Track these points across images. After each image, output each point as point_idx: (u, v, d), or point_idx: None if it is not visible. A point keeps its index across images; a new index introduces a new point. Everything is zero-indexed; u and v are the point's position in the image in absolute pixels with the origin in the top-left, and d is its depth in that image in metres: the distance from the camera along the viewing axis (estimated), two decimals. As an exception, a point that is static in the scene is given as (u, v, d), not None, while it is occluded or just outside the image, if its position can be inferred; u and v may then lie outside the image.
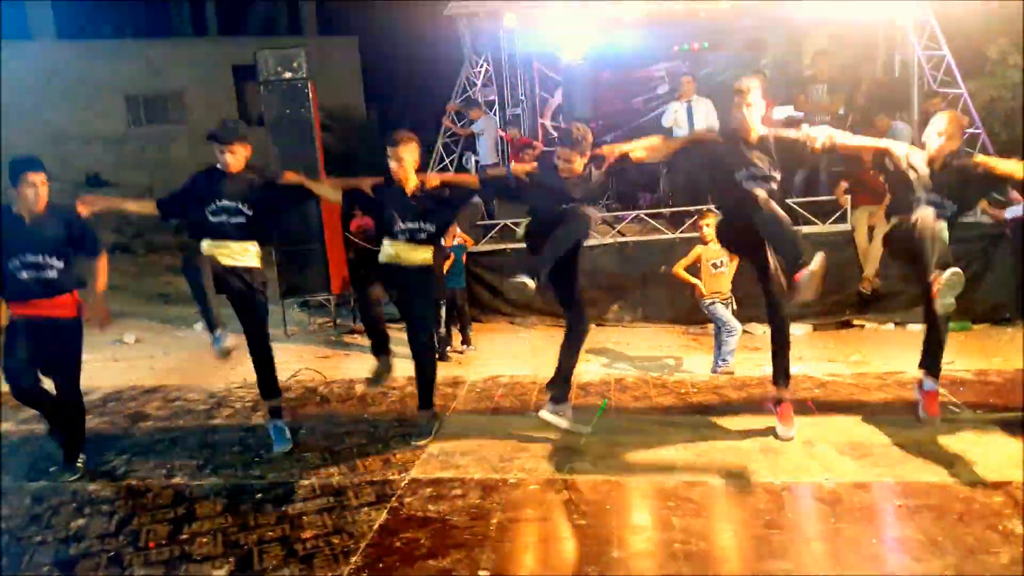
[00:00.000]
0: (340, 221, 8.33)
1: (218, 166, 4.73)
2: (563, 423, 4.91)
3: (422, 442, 4.84)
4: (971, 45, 9.09)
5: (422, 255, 4.88)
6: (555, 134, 10.10)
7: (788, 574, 3.23)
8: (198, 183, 4.77)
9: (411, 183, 4.80)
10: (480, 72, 10.74)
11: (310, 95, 8.22)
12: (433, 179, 4.99)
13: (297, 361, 7.01)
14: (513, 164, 5.42)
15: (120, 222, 16.36)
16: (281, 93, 8.20)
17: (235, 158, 4.69)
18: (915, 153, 4.67)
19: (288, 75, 8.20)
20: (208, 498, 4.19)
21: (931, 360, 4.79)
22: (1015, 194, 5.47)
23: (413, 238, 4.81)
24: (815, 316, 7.49)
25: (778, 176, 4.65)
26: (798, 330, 7.37)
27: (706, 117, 8.60)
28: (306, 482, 4.34)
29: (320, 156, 8.25)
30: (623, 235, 8.30)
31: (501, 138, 10.02)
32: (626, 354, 6.86)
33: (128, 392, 6.28)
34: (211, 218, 4.65)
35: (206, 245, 4.66)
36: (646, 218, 8.43)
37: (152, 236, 15.20)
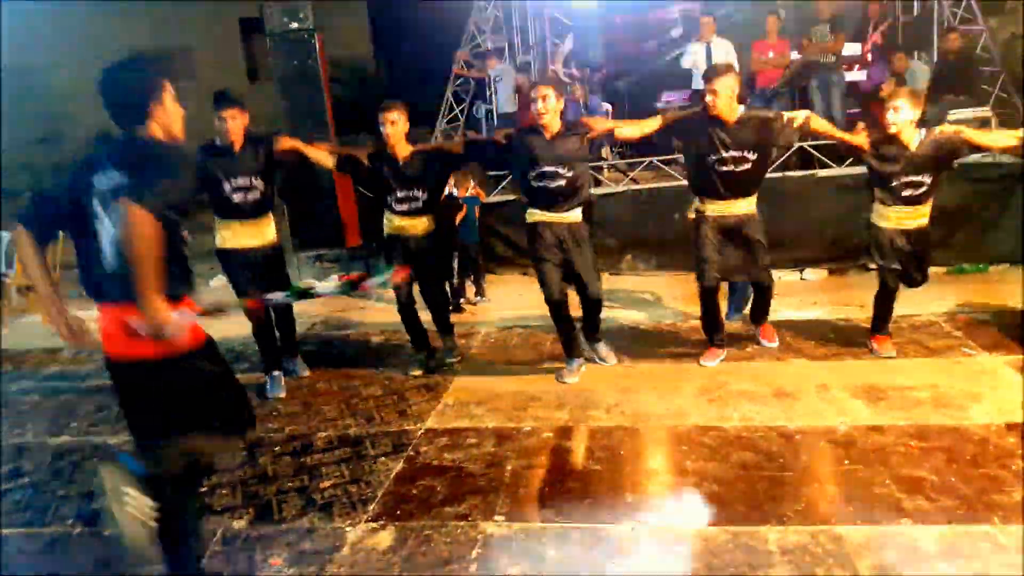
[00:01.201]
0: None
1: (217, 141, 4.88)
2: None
3: (455, 359, 5.46)
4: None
5: (424, 224, 5.14)
6: (567, 80, 9.93)
7: (802, 515, 3.26)
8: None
9: (402, 151, 4.99)
10: (490, 18, 10.55)
11: (318, 47, 8.11)
12: (424, 147, 5.22)
13: (312, 315, 7.05)
14: (496, 132, 5.48)
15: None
16: (288, 45, 8.08)
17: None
18: (883, 143, 4.79)
19: (295, 26, 8.07)
20: (228, 452, 4.22)
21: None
22: None
23: (411, 209, 5.06)
24: (831, 261, 7.42)
25: (753, 156, 4.77)
26: (812, 276, 7.33)
27: (726, 57, 8.41)
28: (323, 434, 4.41)
29: (329, 108, 8.17)
30: (636, 182, 8.21)
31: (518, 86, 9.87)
32: (640, 303, 6.84)
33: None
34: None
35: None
36: (660, 164, 8.33)
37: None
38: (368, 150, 5.16)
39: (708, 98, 4.74)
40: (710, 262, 5.01)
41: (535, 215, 4.88)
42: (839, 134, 5.08)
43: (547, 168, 4.70)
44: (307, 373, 5.41)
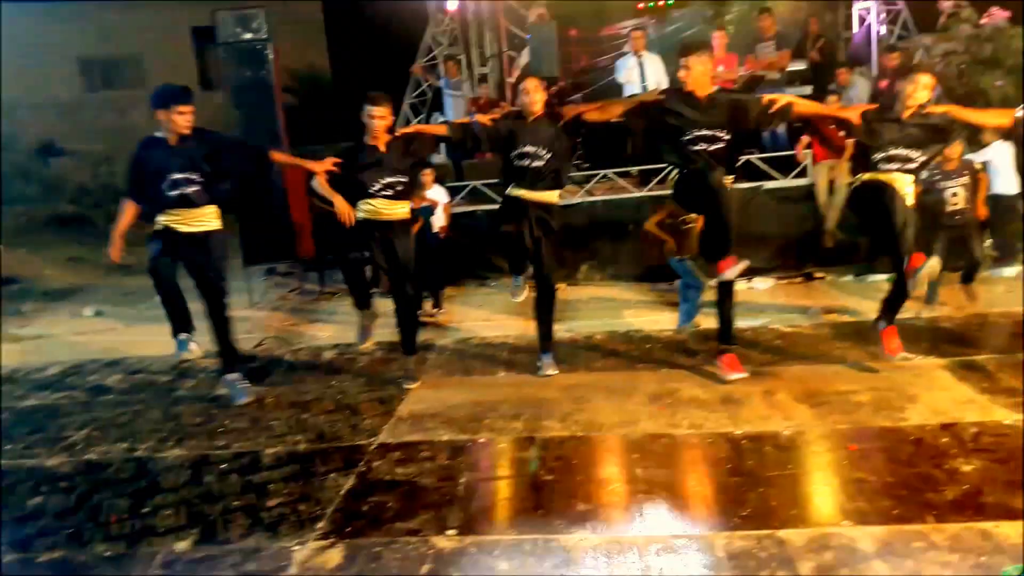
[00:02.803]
0: (304, 186, 8.23)
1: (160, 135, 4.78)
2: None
3: (412, 385, 5.21)
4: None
5: (401, 208, 5.13)
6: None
7: (748, 520, 3.32)
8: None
9: (383, 140, 5.01)
10: (446, 31, 10.60)
11: (271, 57, 8.06)
12: (406, 131, 5.26)
13: (263, 329, 6.98)
14: (478, 115, 5.53)
15: (78, 192, 16.06)
16: (241, 55, 8.01)
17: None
18: (876, 114, 4.78)
19: (248, 36, 8.00)
20: (171, 470, 4.17)
21: (889, 308, 4.97)
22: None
23: (391, 193, 5.02)
24: (778, 269, 7.58)
25: (727, 136, 4.72)
26: (761, 284, 7.48)
27: (656, 73, 8.61)
28: (272, 451, 4.34)
29: (282, 119, 8.10)
30: (592, 194, 8.30)
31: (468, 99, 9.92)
32: (595, 312, 6.91)
33: (89, 366, 6.20)
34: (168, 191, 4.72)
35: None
36: (614, 177, 8.43)
37: (112, 206, 14.93)
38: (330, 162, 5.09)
39: (681, 73, 4.75)
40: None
41: (514, 191, 5.18)
42: (827, 110, 5.17)
43: (528, 148, 5.03)
44: (245, 400, 5.09)
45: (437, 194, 7.22)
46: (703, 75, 4.73)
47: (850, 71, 8.55)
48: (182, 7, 20.74)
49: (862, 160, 4.85)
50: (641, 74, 8.50)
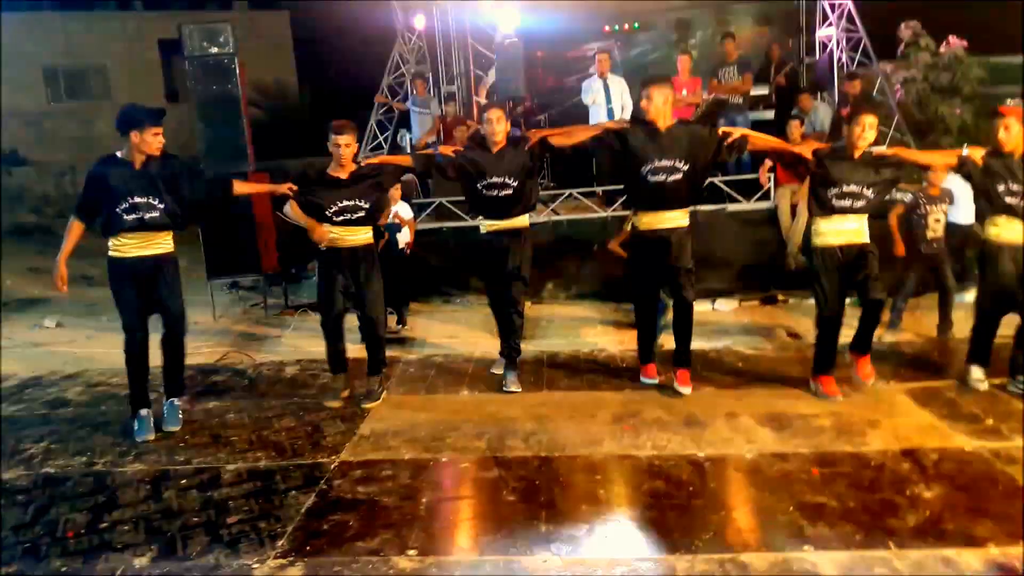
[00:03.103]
0: (269, 199, 8.16)
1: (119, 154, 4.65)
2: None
3: (370, 405, 5.16)
4: (884, 27, 9.37)
5: (364, 234, 5.16)
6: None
7: (710, 543, 3.34)
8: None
9: (348, 168, 5.05)
10: (414, 49, 10.63)
11: (237, 71, 8.01)
12: (369, 161, 5.28)
13: (225, 344, 6.88)
14: (441, 147, 5.65)
15: (40, 202, 15.77)
16: (207, 69, 7.96)
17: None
18: (827, 153, 4.94)
19: (215, 50, 7.96)
20: (131, 485, 4.10)
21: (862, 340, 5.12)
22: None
23: (351, 219, 5.05)
24: (741, 292, 7.68)
25: (685, 167, 4.85)
26: (724, 306, 7.55)
27: (621, 95, 8.72)
28: (232, 467, 4.28)
29: (248, 134, 8.05)
30: (557, 213, 8.35)
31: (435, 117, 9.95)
32: (558, 331, 6.93)
33: (48, 378, 6.09)
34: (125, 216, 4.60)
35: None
36: (579, 196, 8.49)
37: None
38: (266, 188, 5.31)
39: (643, 102, 4.88)
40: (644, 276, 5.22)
41: (487, 225, 5.37)
42: (782, 145, 5.28)
43: (496, 179, 5.17)
44: (177, 429, 4.88)
45: (402, 210, 7.21)
46: (664, 106, 4.87)
47: (812, 97, 8.73)
48: (149, 19, 20.64)
49: (817, 195, 4.97)
50: (606, 96, 8.59)
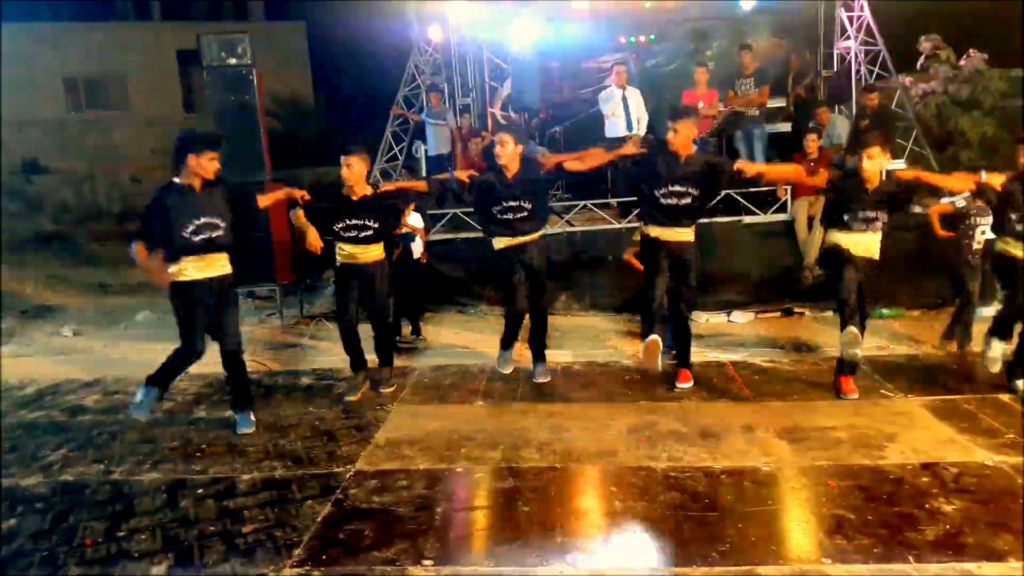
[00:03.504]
0: (286, 210, 8.21)
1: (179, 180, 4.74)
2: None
3: (388, 389, 5.63)
4: (903, 40, 9.33)
5: (374, 252, 5.45)
6: (504, 124, 10.10)
7: (727, 556, 3.31)
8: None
9: (360, 190, 5.30)
10: (429, 60, 10.68)
11: (255, 81, 8.08)
12: (386, 187, 5.53)
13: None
14: (456, 171, 5.82)
15: (59, 210, 15.94)
16: (225, 79, 8.04)
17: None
18: (842, 181, 5.13)
19: (233, 61, 8.04)
20: (147, 494, 4.12)
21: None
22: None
23: (362, 238, 5.34)
24: (758, 304, 7.64)
25: (696, 192, 5.17)
26: (739, 318, 7.53)
27: (637, 107, 8.73)
28: (248, 476, 4.30)
29: (265, 144, 8.12)
30: (572, 225, 8.35)
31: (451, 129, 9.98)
32: (573, 341, 6.92)
33: (66, 385, 6.12)
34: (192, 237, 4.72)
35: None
36: (594, 208, 8.50)
37: (93, 224, 14.82)
38: (283, 194, 5.42)
39: (669, 135, 5.16)
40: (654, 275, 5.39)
41: (502, 242, 5.46)
42: (797, 177, 5.63)
43: (512, 203, 5.31)
44: (250, 430, 5.01)
45: (415, 221, 7.23)
46: (687, 139, 5.18)
47: (830, 110, 8.70)
48: (167, 30, 20.85)
49: (833, 215, 5.16)
50: (624, 107, 8.60)
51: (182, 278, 4.74)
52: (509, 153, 5.30)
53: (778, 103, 9.41)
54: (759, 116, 8.79)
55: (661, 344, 5.21)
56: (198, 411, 5.41)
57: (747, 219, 7.76)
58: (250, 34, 8.24)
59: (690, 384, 5.44)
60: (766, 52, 9.99)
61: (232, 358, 5.00)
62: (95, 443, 4.88)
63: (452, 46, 10.65)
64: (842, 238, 5.10)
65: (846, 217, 5.03)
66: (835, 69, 9.64)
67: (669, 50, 10.75)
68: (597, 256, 8.00)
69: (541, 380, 5.69)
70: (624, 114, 8.58)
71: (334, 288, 5.68)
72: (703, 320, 7.44)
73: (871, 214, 4.99)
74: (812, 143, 7.63)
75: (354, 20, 17.41)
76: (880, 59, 8.63)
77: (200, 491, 4.14)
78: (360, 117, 11.57)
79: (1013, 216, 4.87)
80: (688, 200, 5.19)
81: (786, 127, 9.30)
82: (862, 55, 8.75)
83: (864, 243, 5.07)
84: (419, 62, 10.38)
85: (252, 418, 5.05)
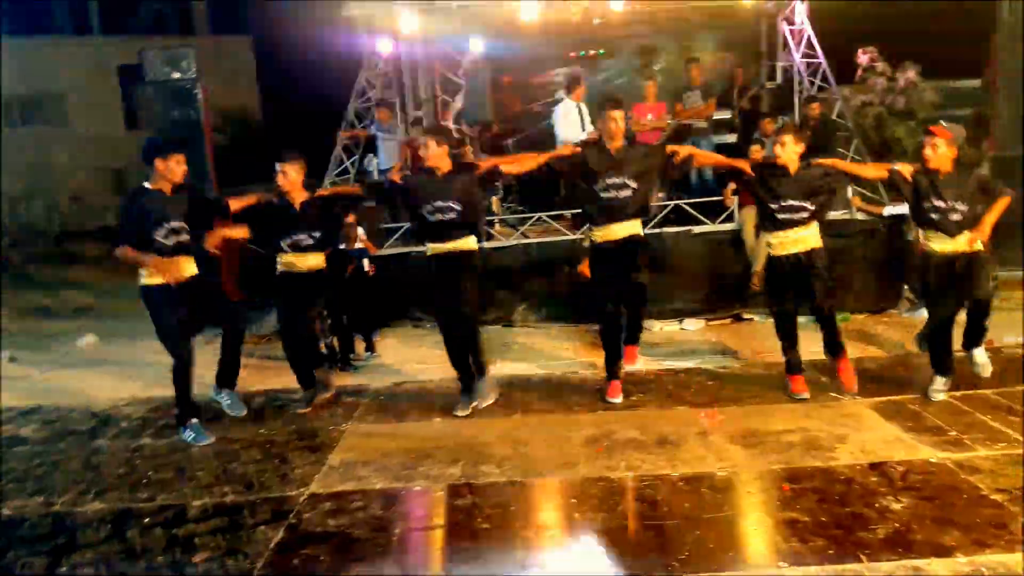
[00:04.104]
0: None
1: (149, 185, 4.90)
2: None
3: (327, 395, 5.69)
4: (843, 54, 9.59)
5: (316, 260, 5.44)
6: (457, 137, 10.07)
7: (686, 563, 3.32)
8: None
9: (298, 197, 5.31)
10: (380, 74, 10.60)
11: (200, 96, 7.95)
12: (322, 192, 5.61)
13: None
14: (390, 173, 5.79)
15: (-6, 232, 15.42)
16: (169, 94, 7.91)
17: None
18: (767, 168, 5.21)
19: (176, 75, 7.92)
20: (91, 525, 3.98)
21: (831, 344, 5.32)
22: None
23: (302, 247, 5.34)
24: (708, 311, 7.73)
25: (635, 184, 5.19)
26: (691, 325, 7.60)
27: (589, 122, 8.78)
28: (198, 502, 4.18)
29: (211, 159, 7.99)
30: (526, 236, 8.35)
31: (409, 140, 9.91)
32: (531, 354, 6.90)
33: (3, 414, 5.88)
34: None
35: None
36: (548, 220, 8.51)
37: (30, 247, 14.37)
38: (255, 199, 5.38)
39: (599, 123, 5.25)
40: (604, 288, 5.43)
41: (432, 248, 5.34)
42: (723, 160, 5.68)
43: (440, 203, 5.17)
44: (243, 412, 5.43)
45: (360, 234, 7.14)
46: (619, 129, 5.22)
47: (773, 121, 8.86)
48: (108, 44, 20.40)
49: (763, 213, 5.25)
50: (581, 121, 8.63)
51: (153, 281, 4.84)
52: (433, 154, 5.20)
53: (724, 115, 9.57)
54: (706, 128, 8.95)
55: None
56: (144, 437, 5.25)
57: (696, 229, 7.85)
58: (195, 48, 8.12)
59: (636, 363, 5.65)
60: (712, 66, 10.21)
61: (230, 339, 5.30)
62: (34, 474, 4.70)
63: (403, 60, 10.59)
64: (776, 240, 5.17)
65: (775, 206, 5.08)
66: (778, 82, 9.84)
67: (618, 64, 10.91)
68: (552, 267, 8.00)
69: (485, 402, 5.44)
70: (580, 127, 8.61)
71: (279, 302, 5.60)
72: (656, 328, 7.49)
73: (796, 203, 5.04)
74: (756, 153, 7.77)
75: (303, 33, 17.25)
76: (821, 72, 8.83)
77: (147, 520, 4.01)
78: (310, 131, 11.41)
79: (926, 206, 5.00)
80: (628, 192, 5.19)
81: (732, 138, 9.46)
82: (804, 68, 8.94)
83: (799, 238, 5.11)
84: (370, 76, 10.29)
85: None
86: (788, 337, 5.36)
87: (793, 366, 5.36)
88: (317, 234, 5.35)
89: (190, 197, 5.02)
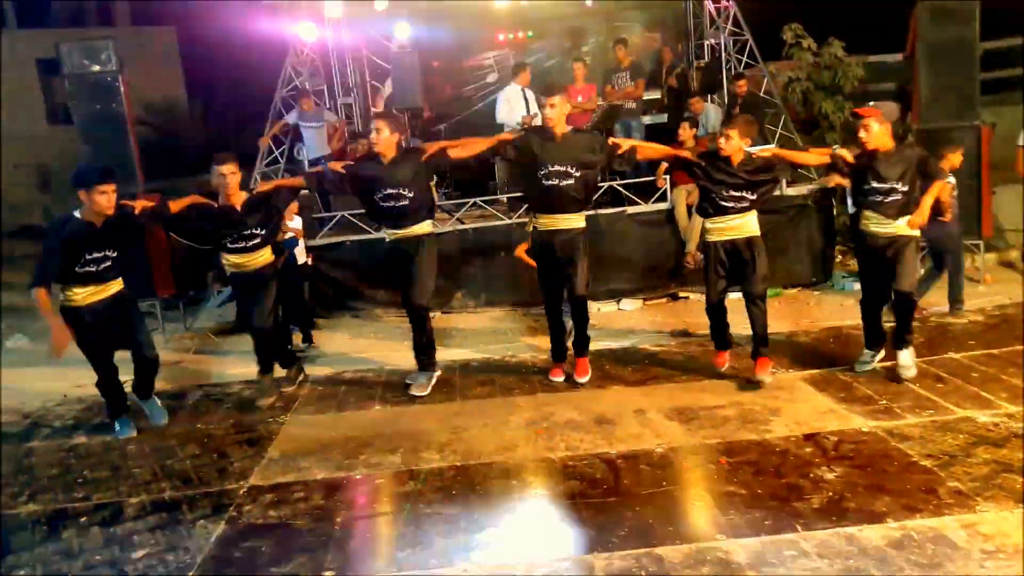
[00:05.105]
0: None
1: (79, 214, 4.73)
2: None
3: (289, 389, 5.70)
4: (768, 30, 9.77)
5: (262, 257, 5.42)
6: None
7: (626, 539, 3.39)
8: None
9: (237, 199, 5.26)
10: (307, 61, 10.42)
11: (122, 89, 7.71)
12: (262, 187, 5.50)
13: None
14: (331, 163, 5.66)
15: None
16: (89, 88, 7.65)
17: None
18: (710, 159, 5.23)
19: (96, 68, 7.66)
20: (25, 528, 3.88)
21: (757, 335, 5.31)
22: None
23: (251, 247, 5.31)
24: (644, 291, 7.85)
25: (577, 173, 5.19)
26: (629, 305, 7.71)
27: (533, 105, 8.78)
28: (135, 500, 4.11)
29: (136, 153, 7.75)
30: (462, 222, 8.34)
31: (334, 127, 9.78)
32: (470, 339, 6.92)
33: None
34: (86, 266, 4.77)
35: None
36: (483, 205, 8.52)
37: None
38: (190, 201, 5.30)
39: (546, 110, 5.20)
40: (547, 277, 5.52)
41: (389, 233, 5.39)
42: (669, 151, 5.64)
43: (390, 190, 5.17)
44: (165, 421, 5.25)
45: (297, 224, 7.05)
46: (562, 115, 5.21)
47: (703, 100, 9.01)
48: (24, 38, 19.57)
49: (704, 202, 5.28)
50: (526, 106, 8.62)
51: (70, 304, 4.77)
52: (384, 140, 5.20)
53: (653, 95, 9.69)
54: (636, 108, 9.04)
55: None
56: (77, 437, 5.12)
57: (631, 209, 7.95)
58: (116, 40, 7.86)
59: (587, 378, 5.47)
60: (640, 46, 10.32)
61: (142, 361, 5.13)
62: (-36, 479, 4.55)
63: (330, 46, 10.43)
64: (714, 226, 5.22)
65: (715, 196, 5.12)
66: (706, 60, 9.99)
67: (547, 46, 10.93)
68: (489, 252, 8.02)
69: (417, 392, 5.42)
70: (525, 111, 8.61)
71: (235, 299, 5.71)
72: (595, 309, 7.57)
73: (737, 193, 5.09)
74: (686, 132, 7.91)
75: (226, 22, 16.81)
76: (748, 49, 9.00)
77: (84, 519, 3.93)
78: (238, 121, 11.17)
79: (865, 187, 5.11)
80: (570, 181, 5.18)
81: (662, 118, 9.59)
82: (731, 46, 9.10)
83: (737, 225, 5.16)
84: (296, 64, 10.11)
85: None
86: (719, 335, 5.43)
87: (723, 344, 5.47)
88: (262, 231, 5.32)
89: (121, 227, 4.85)
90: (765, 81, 8.94)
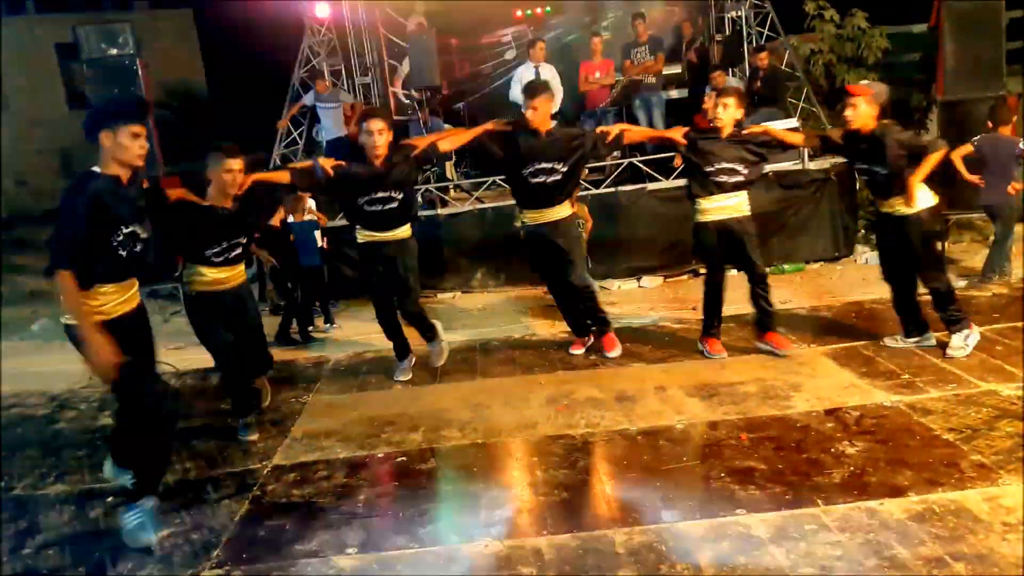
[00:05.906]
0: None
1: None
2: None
3: (251, 436, 4.64)
4: (790, 2, 9.64)
5: (242, 272, 4.64)
6: (407, 102, 9.97)
7: (646, 515, 3.39)
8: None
9: (229, 199, 4.41)
10: (324, 42, 10.42)
11: (139, 72, 7.76)
12: (246, 182, 4.48)
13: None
14: (321, 160, 5.08)
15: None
16: (107, 71, 7.71)
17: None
18: (699, 133, 5.21)
19: (114, 52, 7.72)
20: (54, 507, 3.95)
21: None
22: None
23: (233, 258, 4.48)
24: (664, 268, 7.82)
25: (563, 168, 5.17)
26: (649, 282, 7.69)
27: (553, 80, 8.69)
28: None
29: (156, 137, 7.80)
30: (481, 201, 8.33)
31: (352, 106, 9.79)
32: (490, 318, 6.94)
33: (-42, 403, 5.79)
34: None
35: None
36: (502, 183, 8.49)
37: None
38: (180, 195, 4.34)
39: (528, 112, 5.12)
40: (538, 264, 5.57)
41: (366, 235, 5.18)
42: (655, 133, 5.60)
43: (380, 194, 4.99)
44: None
45: (313, 204, 7.05)
46: (546, 115, 5.21)
47: (724, 73, 8.90)
48: (43, 23, 19.70)
49: (694, 175, 5.21)
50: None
51: (99, 317, 3.41)
52: (385, 141, 4.90)
53: (674, 70, 9.59)
54: (656, 83, 8.95)
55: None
56: (103, 418, 5.19)
57: (651, 186, 7.90)
58: (133, 23, 7.90)
59: (618, 351, 5.47)
60: (659, 20, 10.18)
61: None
62: (-8, 460, 4.64)
63: (347, 25, 10.41)
64: (706, 206, 5.16)
65: (709, 170, 5.05)
66: (727, 33, 9.86)
67: (566, 22, 10.83)
68: (509, 232, 8.00)
69: (438, 363, 5.48)
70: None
71: (196, 326, 4.58)
72: (615, 287, 7.56)
73: (729, 165, 5.03)
74: (711, 100, 7.80)
75: (243, 3, 16.80)
76: (769, 21, 8.88)
77: (110, 499, 3.98)
78: (257, 103, 11.19)
79: (856, 168, 5.01)
80: (557, 177, 5.17)
81: (683, 93, 9.49)
82: (752, 18, 8.98)
83: (730, 206, 5.12)
84: (313, 43, 10.10)
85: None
86: (712, 309, 5.38)
87: (712, 331, 5.42)
88: (243, 240, 4.50)
89: (147, 189, 3.75)
90: (787, 54, 8.81)
